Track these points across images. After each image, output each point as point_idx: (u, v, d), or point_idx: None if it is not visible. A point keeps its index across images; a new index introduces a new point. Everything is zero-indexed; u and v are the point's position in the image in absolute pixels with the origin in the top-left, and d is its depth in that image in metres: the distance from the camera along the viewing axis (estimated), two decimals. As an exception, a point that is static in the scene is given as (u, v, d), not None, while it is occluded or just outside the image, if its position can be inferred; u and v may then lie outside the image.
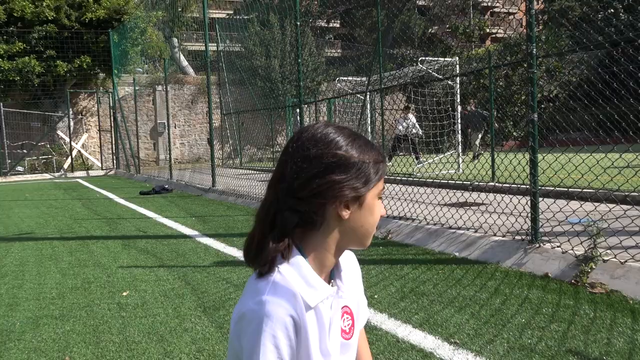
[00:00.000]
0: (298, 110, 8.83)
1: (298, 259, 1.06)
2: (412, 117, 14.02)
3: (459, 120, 12.57)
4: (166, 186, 12.84)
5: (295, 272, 1.05)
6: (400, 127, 13.73)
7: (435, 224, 5.62)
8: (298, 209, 1.05)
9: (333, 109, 18.50)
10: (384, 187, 1.15)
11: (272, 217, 1.06)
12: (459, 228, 5.30)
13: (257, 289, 1.02)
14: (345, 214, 1.07)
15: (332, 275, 1.16)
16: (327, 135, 1.08)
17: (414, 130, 14.07)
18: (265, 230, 1.06)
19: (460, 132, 12.80)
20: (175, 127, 24.79)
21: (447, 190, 7.69)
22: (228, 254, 5.34)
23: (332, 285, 1.13)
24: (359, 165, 1.07)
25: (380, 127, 12.81)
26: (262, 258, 1.04)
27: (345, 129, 1.12)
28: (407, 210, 6.37)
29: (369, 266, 4.49)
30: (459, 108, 12.85)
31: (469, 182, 8.09)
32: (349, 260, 1.23)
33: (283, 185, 1.06)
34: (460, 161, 12.61)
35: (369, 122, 14.55)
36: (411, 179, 10.39)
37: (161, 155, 24.69)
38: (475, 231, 5.12)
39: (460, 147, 12.95)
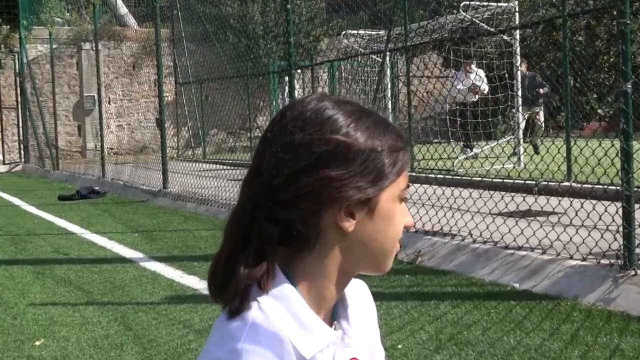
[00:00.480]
0: (287, 78, 8.85)
1: (285, 289, 1.06)
2: (478, 71, 13.63)
3: (519, 93, 12.53)
4: (96, 188, 12.82)
5: (282, 308, 1.05)
6: (461, 87, 13.11)
7: (485, 242, 5.61)
8: (280, 218, 1.05)
9: (337, 75, 18.49)
10: (408, 186, 1.15)
11: (246, 229, 1.06)
12: (520, 248, 5.29)
13: (228, 333, 1.02)
14: (349, 224, 1.07)
15: (334, 313, 1.16)
16: (321, 113, 1.08)
17: (485, 90, 13.57)
18: (236, 249, 1.06)
19: (521, 108, 12.77)
20: (109, 103, 24.79)
21: (503, 193, 7.69)
22: (186, 286, 5.33)
23: (334, 328, 1.13)
24: (366, 155, 1.06)
25: (406, 101, 12.80)
26: (231, 289, 1.05)
27: (349, 103, 1.12)
28: (444, 222, 6.36)
29: (390, 302, 4.49)
30: (519, 74, 12.80)
31: (533, 182, 8.10)
32: (358, 293, 1.23)
33: (260, 183, 1.07)
34: (522, 151, 12.61)
35: (389, 94, 14.55)
36: (450, 177, 10.40)
37: (89, 144, 24.69)
38: (543, 252, 5.11)
39: (521, 130, 12.93)
